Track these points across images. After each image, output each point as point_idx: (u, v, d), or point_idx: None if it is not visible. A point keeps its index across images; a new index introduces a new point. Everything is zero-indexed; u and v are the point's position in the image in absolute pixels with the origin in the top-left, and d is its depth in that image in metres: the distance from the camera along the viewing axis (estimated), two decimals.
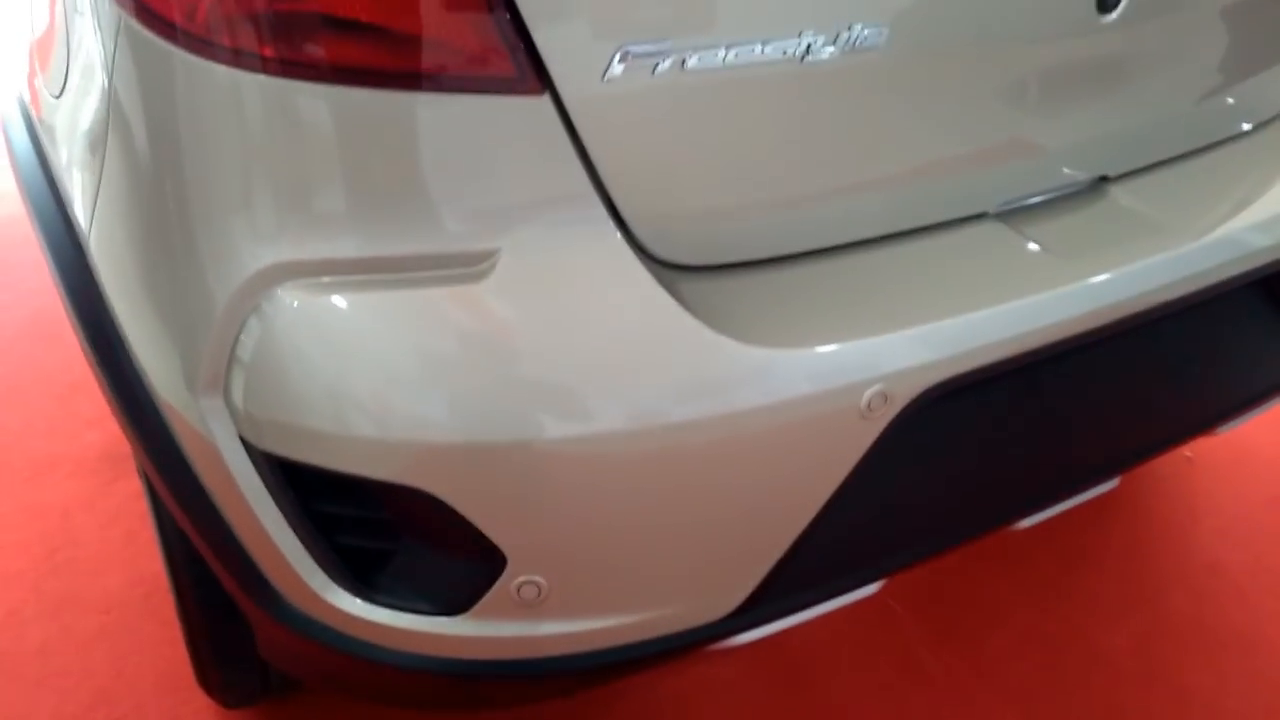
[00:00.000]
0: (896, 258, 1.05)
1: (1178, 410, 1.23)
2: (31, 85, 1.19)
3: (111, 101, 0.88)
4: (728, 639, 1.05)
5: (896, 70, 0.96)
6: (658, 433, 0.88)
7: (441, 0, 0.77)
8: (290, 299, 0.83)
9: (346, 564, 0.94)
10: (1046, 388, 1.10)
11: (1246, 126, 1.29)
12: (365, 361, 0.84)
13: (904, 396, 0.96)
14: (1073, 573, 1.78)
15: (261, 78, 0.77)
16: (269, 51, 0.77)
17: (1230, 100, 1.26)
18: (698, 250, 0.97)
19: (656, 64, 0.84)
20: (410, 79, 0.78)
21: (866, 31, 0.91)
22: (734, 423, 0.90)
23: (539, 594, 0.92)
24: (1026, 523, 1.23)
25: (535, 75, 0.81)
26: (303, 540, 0.93)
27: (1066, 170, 1.17)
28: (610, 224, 0.87)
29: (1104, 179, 1.21)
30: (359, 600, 0.95)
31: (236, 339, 0.85)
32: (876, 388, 0.94)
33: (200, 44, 0.78)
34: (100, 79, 0.90)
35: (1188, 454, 2.06)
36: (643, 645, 1.00)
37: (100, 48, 0.89)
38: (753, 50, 0.87)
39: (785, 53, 0.89)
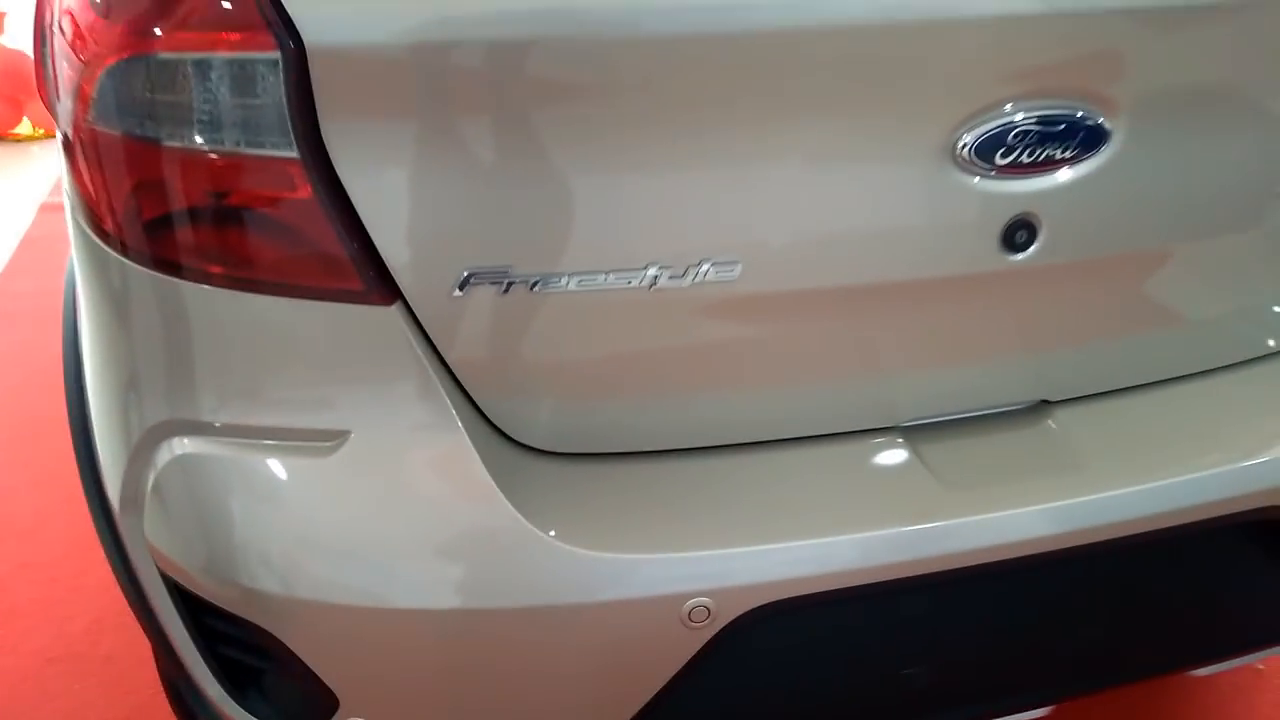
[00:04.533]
0: (766, 465, 1.07)
1: (1068, 655, 1.16)
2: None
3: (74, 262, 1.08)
4: None
5: (757, 302, 0.99)
6: (471, 616, 0.96)
7: (294, 218, 0.90)
8: (175, 450, 0.98)
9: (227, 674, 1.09)
10: (908, 613, 1.08)
11: (1214, 364, 1.20)
12: (225, 511, 0.98)
13: (730, 612, 0.98)
14: None
15: (153, 274, 0.93)
16: (160, 251, 0.92)
17: (1189, 338, 1.18)
18: (559, 439, 1.04)
19: (503, 285, 0.93)
20: (268, 285, 0.92)
21: (718, 269, 0.96)
22: (550, 616, 0.97)
23: None
24: None
25: (384, 289, 0.92)
26: (196, 647, 1.08)
27: (991, 393, 1.14)
28: (454, 421, 0.97)
29: (1045, 403, 1.17)
30: (239, 708, 1.10)
31: (143, 474, 1.02)
32: (698, 601, 0.97)
33: (114, 240, 0.95)
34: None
35: (1260, 666, 1.86)
36: None
37: (69, 220, 1.09)
38: (597, 280, 0.95)
39: (630, 283, 0.95)
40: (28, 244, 3.75)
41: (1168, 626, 1.21)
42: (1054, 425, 1.15)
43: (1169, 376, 1.20)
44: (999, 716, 1.19)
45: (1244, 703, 1.80)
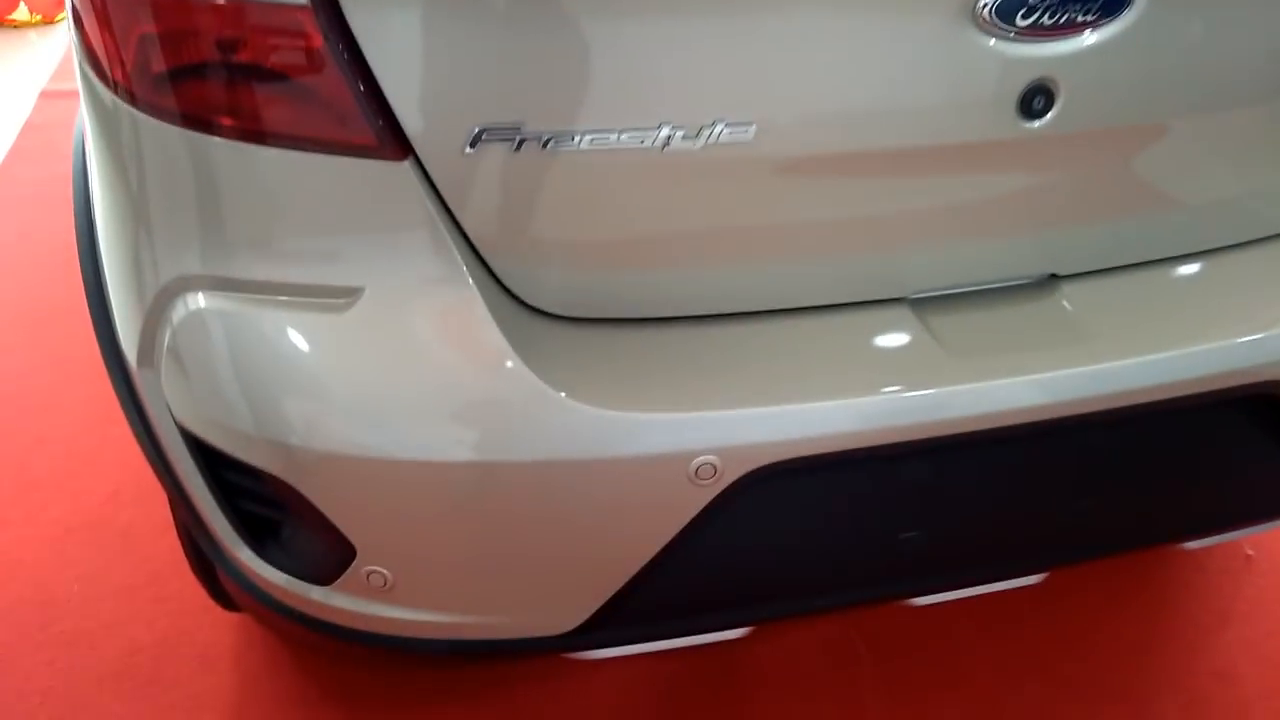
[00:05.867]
0: (775, 333, 1.09)
1: (1064, 524, 1.19)
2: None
3: (85, 123, 1.08)
4: (575, 652, 1.16)
5: (770, 166, 0.99)
6: (487, 468, 0.99)
7: (304, 68, 0.89)
8: (191, 306, 1.00)
9: (246, 526, 1.12)
10: (910, 479, 1.10)
11: (1224, 242, 1.20)
12: (242, 365, 1.00)
13: (735, 470, 1.01)
14: (1064, 651, 1.72)
15: (167, 127, 0.93)
16: (172, 103, 0.92)
17: (1199, 216, 1.18)
18: (570, 303, 1.05)
19: (514, 142, 0.93)
20: (279, 138, 0.92)
21: (731, 130, 0.95)
22: (561, 470, 0.99)
23: (386, 583, 1.07)
24: (919, 601, 1.24)
25: (396, 143, 0.92)
26: (216, 502, 1.12)
27: (1001, 266, 1.15)
28: (466, 278, 0.98)
29: (1054, 277, 1.17)
30: (257, 558, 1.13)
31: (160, 331, 1.03)
32: (705, 458, 1.00)
33: (124, 92, 0.94)
34: (82, 106, 1.09)
35: (1249, 551, 1.91)
36: (485, 644, 1.13)
37: (79, 76, 1.08)
38: (610, 139, 0.94)
39: (644, 142, 0.95)
40: (29, 130, 3.70)
41: (1165, 498, 1.23)
42: (1062, 298, 1.16)
43: (1179, 254, 1.21)
44: (992, 582, 1.23)
45: (1231, 584, 1.85)
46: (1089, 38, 0.97)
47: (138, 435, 1.18)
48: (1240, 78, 1.08)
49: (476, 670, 1.66)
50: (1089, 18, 0.96)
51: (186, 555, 1.53)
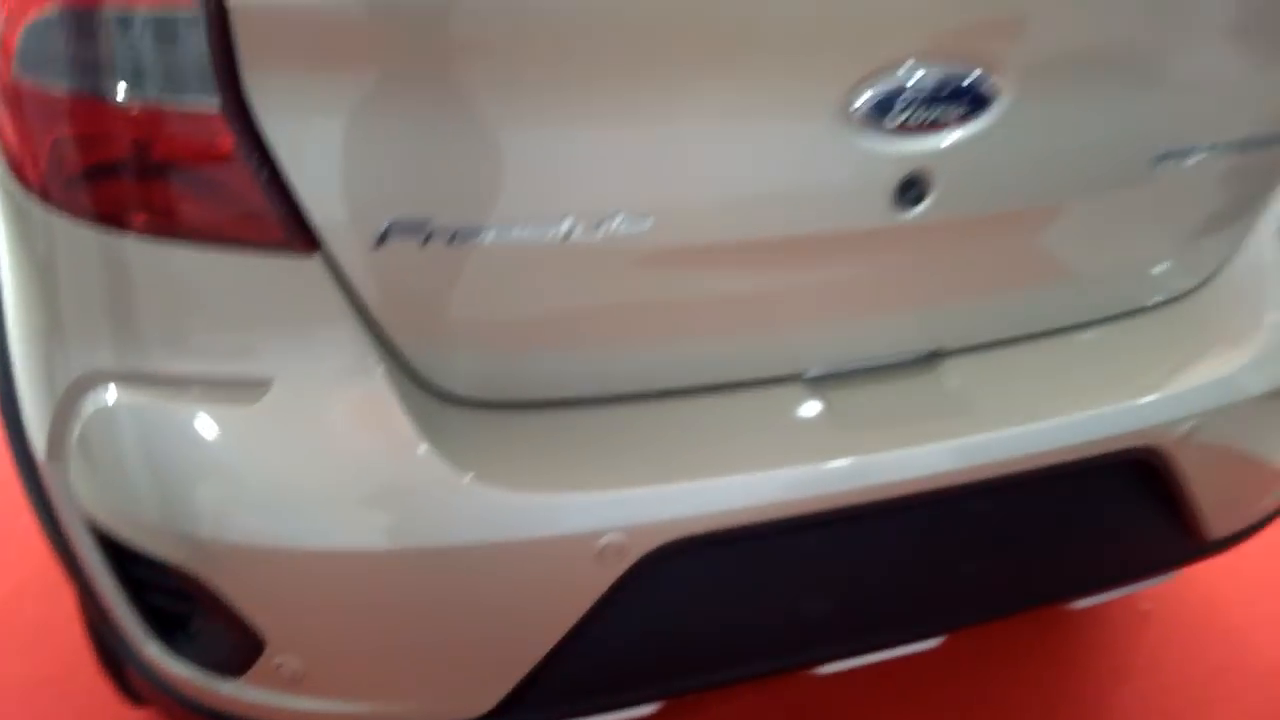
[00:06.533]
0: (677, 412, 1.13)
1: (956, 588, 1.25)
2: None
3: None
4: None
5: (667, 254, 1.05)
6: (397, 554, 1.01)
7: (216, 169, 0.92)
8: (101, 400, 1.01)
9: (154, 620, 1.11)
10: (810, 549, 1.15)
11: (1094, 316, 1.30)
12: (152, 458, 1.00)
13: (640, 547, 1.04)
14: (975, 712, 1.77)
15: (80, 226, 0.95)
16: (85, 203, 0.94)
17: (1073, 292, 1.27)
18: (480, 389, 1.09)
19: (421, 237, 0.97)
20: (191, 235, 0.94)
21: (629, 222, 1.01)
22: (469, 554, 1.02)
23: (296, 674, 1.07)
24: (825, 669, 1.28)
25: (306, 239, 0.95)
26: (123, 596, 1.11)
27: (889, 344, 1.22)
28: (376, 367, 1.00)
29: (939, 353, 1.25)
30: (165, 653, 1.12)
31: (70, 424, 1.03)
32: (611, 537, 1.03)
33: (37, 190, 0.96)
34: None
35: (1146, 607, 1.99)
36: None
37: None
38: (514, 232, 0.99)
39: (547, 235, 1.00)
40: None
41: (1051, 559, 1.30)
42: (947, 373, 1.23)
43: (1055, 328, 1.29)
44: (893, 647, 1.28)
45: (1130, 639, 1.93)
46: (956, 134, 1.06)
47: (44, 528, 1.17)
48: (1094, 166, 1.18)
49: None
50: (954, 116, 1.04)
51: (94, 650, 1.50)
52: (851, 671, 1.72)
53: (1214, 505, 1.33)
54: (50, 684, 1.75)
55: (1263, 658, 1.89)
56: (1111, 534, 1.33)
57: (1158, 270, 1.32)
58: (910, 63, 1.00)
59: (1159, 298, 1.33)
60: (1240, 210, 1.30)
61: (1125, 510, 1.31)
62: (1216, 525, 1.36)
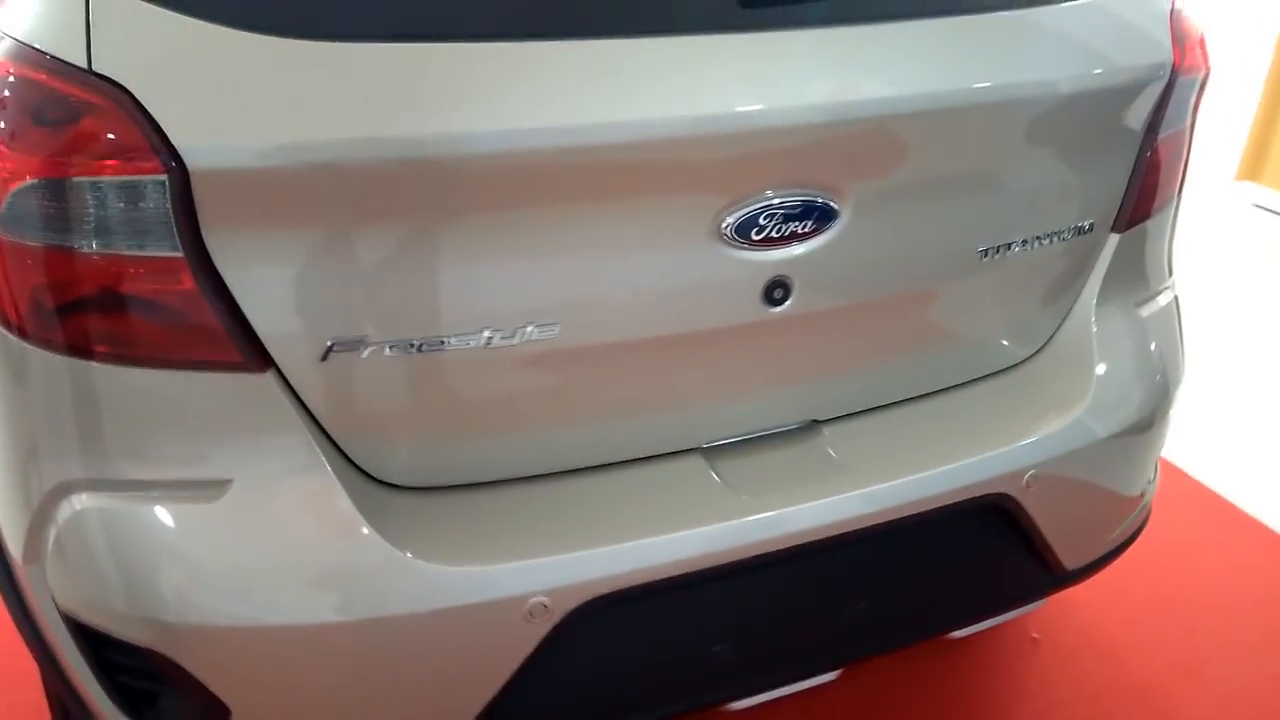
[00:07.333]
0: (591, 486, 1.31)
1: (847, 625, 1.43)
2: None
3: None
4: None
5: (575, 354, 1.23)
6: (343, 628, 1.15)
7: (180, 305, 1.08)
8: (75, 506, 1.14)
9: (125, 700, 1.24)
10: (713, 600, 1.32)
11: (950, 383, 1.51)
12: (123, 554, 1.14)
13: (564, 607, 1.21)
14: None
15: (54, 355, 1.09)
16: (59, 336, 1.09)
17: (923, 365, 1.48)
18: (416, 476, 1.25)
19: (360, 351, 1.14)
20: (160, 360, 1.09)
21: (540, 329, 1.19)
22: (411, 622, 1.17)
23: None
24: (737, 705, 1.45)
25: (259, 359, 1.11)
26: (96, 678, 1.23)
27: (772, 416, 1.41)
28: (323, 464, 1.16)
29: (816, 422, 1.44)
30: None
31: (46, 529, 1.17)
32: (537, 599, 1.19)
33: (15, 327, 1.10)
34: None
35: (1035, 635, 2.20)
36: None
37: None
38: (441, 343, 1.16)
39: (470, 343, 1.17)
40: None
41: (926, 596, 1.49)
42: (823, 439, 1.42)
43: (914, 395, 1.50)
44: (794, 681, 1.45)
45: (1022, 664, 2.12)
46: (809, 244, 1.26)
47: (19, 624, 1.28)
48: (929, 261, 1.39)
49: None
50: (807, 230, 1.25)
51: None
52: (763, 707, 1.89)
53: (1063, 540, 1.54)
54: None
55: (1140, 676, 2.10)
56: (979, 570, 1.53)
57: (996, 342, 1.54)
58: (767, 192, 1.21)
59: (1000, 365, 1.55)
60: (1062, 288, 1.53)
61: (988, 549, 1.51)
62: (1068, 558, 1.57)
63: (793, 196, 1.22)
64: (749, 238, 1.22)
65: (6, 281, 1.09)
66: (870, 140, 1.26)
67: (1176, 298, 1.73)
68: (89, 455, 1.13)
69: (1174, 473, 2.74)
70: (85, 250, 1.04)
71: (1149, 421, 1.59)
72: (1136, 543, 1.78)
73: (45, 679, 1.52)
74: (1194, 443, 2.79)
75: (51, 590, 1.19)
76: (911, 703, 2.01)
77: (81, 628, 1.19)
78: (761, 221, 1.22)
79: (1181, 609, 2.28)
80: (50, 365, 1.11)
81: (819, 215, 1.25)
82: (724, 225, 1.21)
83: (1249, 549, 2.51)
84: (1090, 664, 2.13)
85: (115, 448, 1.13)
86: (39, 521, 1.16)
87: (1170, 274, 1.70)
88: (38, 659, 1.30)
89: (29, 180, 1.03)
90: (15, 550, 1.22)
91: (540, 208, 1.14)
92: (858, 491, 1.35)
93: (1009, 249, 1.41)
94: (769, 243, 1.23)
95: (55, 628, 1.22)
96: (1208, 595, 2.33)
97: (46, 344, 1.10)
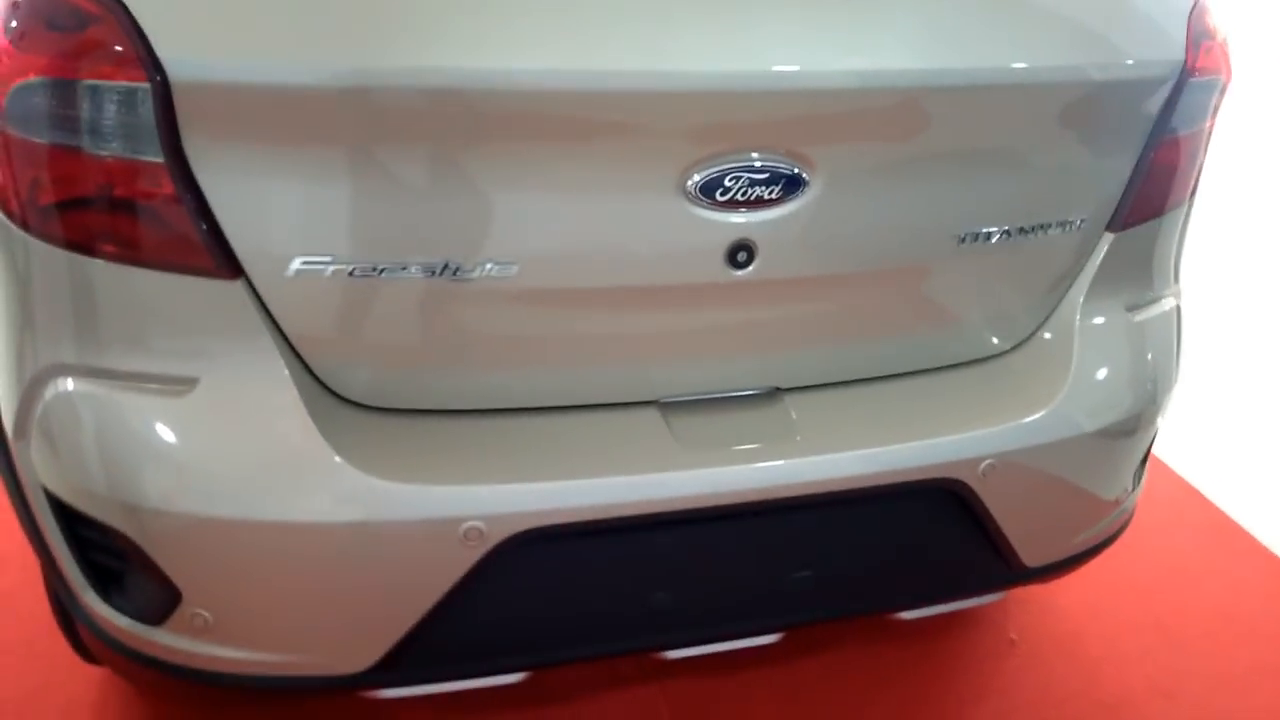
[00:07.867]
0: (542, 425, 1.36)
1: (787, 589, 1.46)
2: None
3: None
4: (371, 690, 1.38)
5: (532, 296, 1.27)
6: (288, 527, 1.23)
7: (159, 209, 1.15)
8: (60, 388, 1.24)
9: (94, 575, 1.33)
10: (649, 548, 1.36)
11: (914, 368, 1.51)
12: (98, 438, 1.23)
13: (499, 534, 1.26)
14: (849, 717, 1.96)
15: (51, 248, 1.18)
16: (57, 230, 1.18)
17: (891, 346, 1.49)
18: (374, 396, 1.31)
19: (326, 271, 1.20)
20: (139, 260, 1.17)
21: (499, 267, 1.24)
22: (350, 530, 1.24)
23: (206, 624, 1.28)
24: (672, 654, 1.49)
25: (231, 267, 1.18)
26: (71, 553, 1.33)
27: (732, 379, 1.44)
28: (283, 372, 1.23)
29: (778, 390, 1.46)
30: (103, 603, 1.34)
31: (33, 407, 1.26)
32: (473, 523, 1.25)
33: (17, 218, 1.19)
34: None
35: (1013, 636, 2.18)
36: (293, 680, 1.34)
37: None
38: (403, 271, 1.22)
39: (431, 274, 1.23)
40: None
41: (871, 572, 1.51)
42: (784, 406, 1.45)
43: (881, 375, 1.51)
44: (732, 639, 1.48)
45: (994, 664, 2.12)
46: (776, 211, 1.28)
47: (12, 499, 1.39)
48: (901, 242, 1.40)
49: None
50: (774, 196, 1.27)
51: (52, 611, 1.72)
52: (724, 687, 1.92)
53: (1022, 535, 1.53)
54: (20, 645, 1.97)
55: (1113, 690, 2.08)
56: (929, 553, 1.54)
57: (973, 331, 1.54)
58: (734, 154, 1.23)
59: (976, 355, 1.55)
60: (1047, 284, 1.52)
61: (940, 534, 1.52)
62: (1028, 554, 1.57)
63: (760, 161, 1.24)
64: (714, 197, 1.25)
65: (10, 174, 1.18)
66: (847, 114, 1.27)
67: (1179, 307, 1.69)
68: (77, 342, 1.22)
69: (1187, 491, 2.68)
70: (77, 149, 1.13)
71: (1128, 428, 1.58)
72: (1135, 557, 1.75)
73: (40, 562, 1.64)
74: (1210, 462, 2.73)
75: (34, 466, 1.29)
76: (871, 687, 2.02)
77: (59, 504, 1.29)
78: (727, 183, 1.24)
79: (1172, 628, 2.24)
80: (44, 255, 1.19)
81: (787, 183, 1.27)
82: (690, 183, 1.24)
83: (1253, 575, 2.45)
84: (1063, 671, 2.11)
85: (100, 337, 1.22)
86: (28, 399, 1.26)
87: (1174, 281, 1.67)
88: (27, 534, 1.41)
89: (32, 78, 1.11)
90: (7, 425, 1.32)
91: (508, 146, 1.18)
92: (806, 459, 1.38)
93: (989, 238, 1.41)
94: (734, 205, 1.26)
95: (39, 503, 1.32)
96: (1203, 618, 2.29)
97: (44, 236, 1.19)
